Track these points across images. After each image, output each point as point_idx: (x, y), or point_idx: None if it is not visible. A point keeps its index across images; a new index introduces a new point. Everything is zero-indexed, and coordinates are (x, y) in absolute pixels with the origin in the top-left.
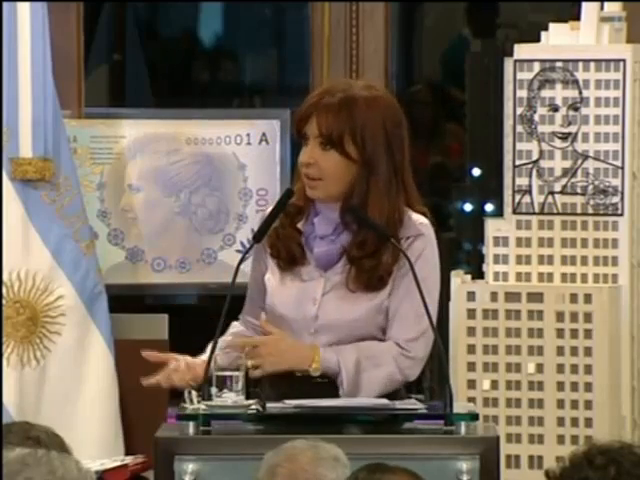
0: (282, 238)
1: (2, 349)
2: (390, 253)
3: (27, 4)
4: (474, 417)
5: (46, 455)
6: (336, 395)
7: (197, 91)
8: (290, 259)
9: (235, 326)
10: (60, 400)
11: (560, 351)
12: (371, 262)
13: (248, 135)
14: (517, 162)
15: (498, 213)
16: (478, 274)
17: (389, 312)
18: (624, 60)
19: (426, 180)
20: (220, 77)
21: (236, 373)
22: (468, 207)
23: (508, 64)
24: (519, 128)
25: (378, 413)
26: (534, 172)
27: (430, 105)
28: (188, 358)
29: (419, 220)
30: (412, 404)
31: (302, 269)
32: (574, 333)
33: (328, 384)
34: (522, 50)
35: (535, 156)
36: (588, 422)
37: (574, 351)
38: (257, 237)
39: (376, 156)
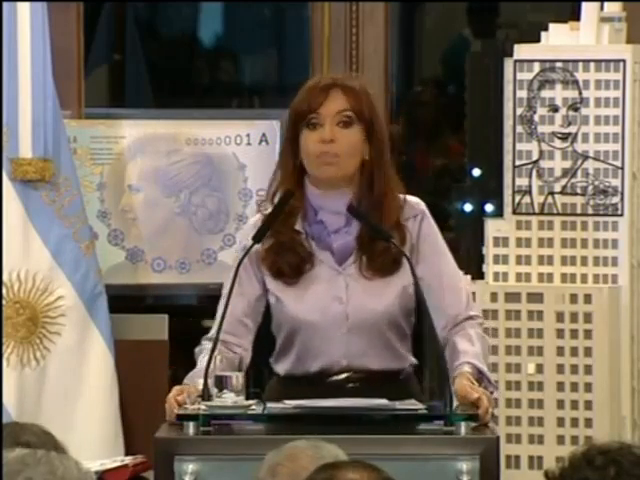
0: (287, 247)
1: (2, 349)
2: (396, 234)
3: (27, 4)
4: (474, 417)
5: (46, 455)
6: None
7: (197, 91)
8: (296, 269)
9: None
10: (60, 400)
11: (560, 351)
12: (381, 245)
13: (248, 135)
14: (517, 162)
15: (498, 213)
16: (478, 274)
17: (433, 290)
18: (624, 60)
19: (426, 180)
20: (220, 77)
21: (236, 373)
22: (468, 207)
23: (508, 64)
24: (519, 128)
25: (378, 413)
26: (534, 172)
27: (431, 106)
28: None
29: (413, 199)
30: (412, 404)
31: (314, 271)
32: (574, 333)
33: (349, 388)
34: (522, 50)
35: (535, 156)
36: (588, 422)
37: (574, 351)
38: (257, 237)
39: (384, 137)
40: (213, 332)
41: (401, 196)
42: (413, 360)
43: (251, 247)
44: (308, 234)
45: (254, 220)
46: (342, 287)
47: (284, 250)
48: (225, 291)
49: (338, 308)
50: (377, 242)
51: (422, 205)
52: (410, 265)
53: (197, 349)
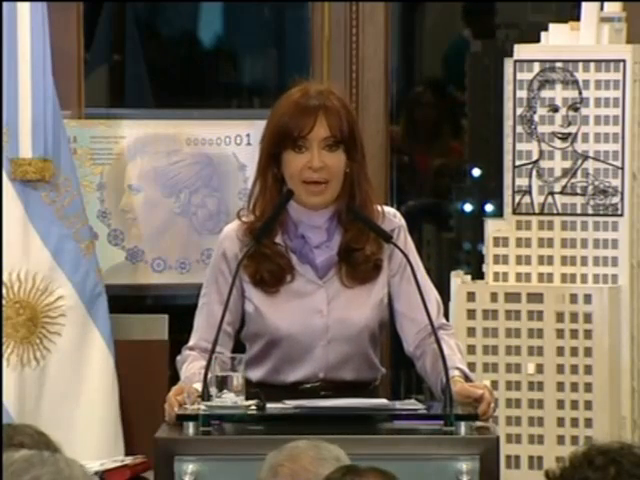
0: (269, 259)
1: (2, 349)
2: (374, 242)
3: (27, 4)
4: (474, 417)
5: (52, 456)
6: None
7: (197, 91)
8: (277, 279)
9: (194, 356)
10: (60, 400)
11: (560, 351)
12: (362, 253)
13: (248, 135)
14: (517, 162)
15: (498, 213)
16: (478, 274)
17: (407, 304)
18: (624, 60)
19: (426, 180)
20: (220, 77)
21: (236, 374)
22: (468, 207)
23: (508, 64)
24: (519, 128)
25: (378, 413)
26: (534, 172)
27: (431, 106)
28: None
29: (390, 211)
30: (412, 404)
31: (294, 284)
32: (574, 333)
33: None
34: (522, 50)
35: (535, 156)
36: (588, 422)
37: (574, 351)
38: (257, 237)
39: (363, 153)
40: (193, 342)
41: (379, 207)
42: (383, 370)
43: (250, 248)
44: (288, 247)
45: (231, 228)
46: (323, 300)
47: (265, 260)
48: (206, 299)
49: (319, 321)
50: (357, 252)
51: (400, 218)
52: (409, 262)
53: (178, 358)
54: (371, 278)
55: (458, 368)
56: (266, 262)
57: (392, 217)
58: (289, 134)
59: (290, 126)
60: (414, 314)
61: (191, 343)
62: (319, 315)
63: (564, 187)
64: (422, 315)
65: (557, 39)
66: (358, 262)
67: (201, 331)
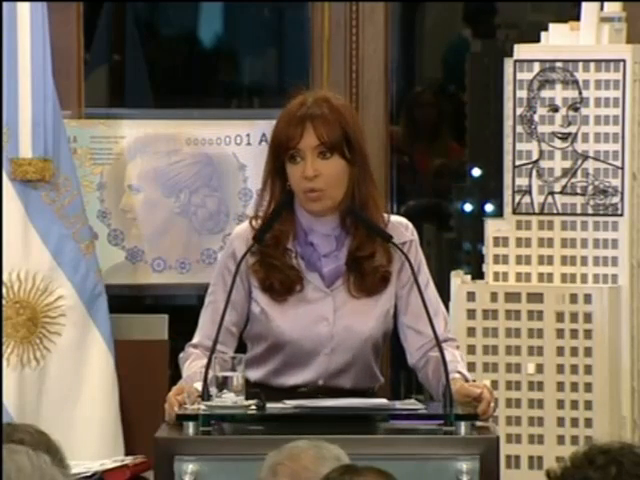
0: (278, 269)
1: (2, 349)
2: (383, 253)
3: (27, 4)
4: (474, 417)
5: None
6: None
7: (197, 91)
8: (287, 288)
9: (197, 354)
10: (60, 400)
11: (560, 351)
12: (370, 264)
13: (248, 135)
14: (517, 162)
15: (498, 213)
16: (478, 274)
17: (413, 316)
18: (624, 60)
19: (426, 180)
20: (219, 77)
21: (236, 374)
22: (468, 207)
23: (508, 64)
24: (519, 128)
25: (378, 413)
26: (534, 172)
27: (431, 106)
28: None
29: (402, 222)
30: (412, 404)
31: (303, 291)
32: (574, 333)
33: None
34: (522, 50)
35: (535, 156)
36: (588, 422)
37: (574, 351)
38: (258, 238)
39: (365, 156)
40: (197, 339)
41: (385, 215)
42: (382, 380)
43: (250, 248)
44: (298, 253)
45: (242, 228)
46: (330, 308)
47: (275, 271)
48: (212, 297)
49: (324, 329)
50: (365, 262)
51: (413, 232)
52: (410, 265)
53: (181, 355)
54: (378, 290)
55: (459, 372)
56: (276, 272)
57: (404, 230)
58: (282, 146)
59: (282, 138)
60: (420, 327)
61: (195, 340)
62: (325, 323)
63: (564, 187)
64: (428, 328)
65: (557, 39)
66: (366, 272)
67: (205, 329)
